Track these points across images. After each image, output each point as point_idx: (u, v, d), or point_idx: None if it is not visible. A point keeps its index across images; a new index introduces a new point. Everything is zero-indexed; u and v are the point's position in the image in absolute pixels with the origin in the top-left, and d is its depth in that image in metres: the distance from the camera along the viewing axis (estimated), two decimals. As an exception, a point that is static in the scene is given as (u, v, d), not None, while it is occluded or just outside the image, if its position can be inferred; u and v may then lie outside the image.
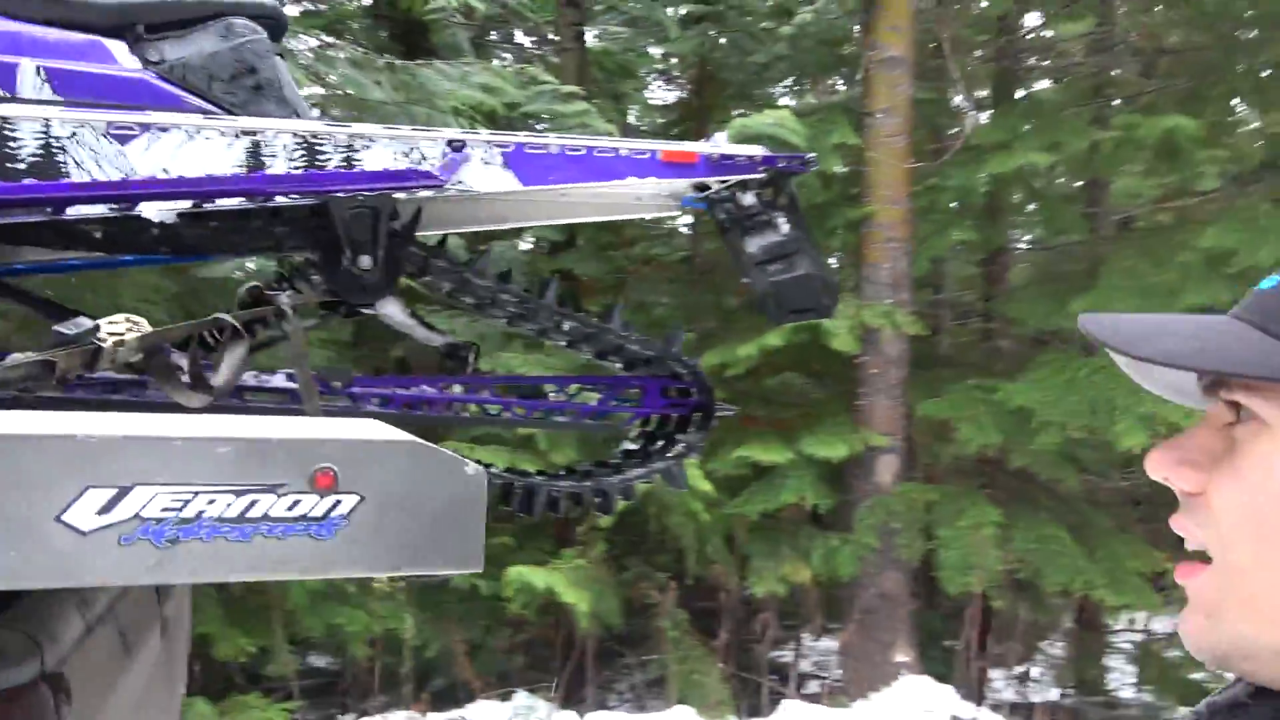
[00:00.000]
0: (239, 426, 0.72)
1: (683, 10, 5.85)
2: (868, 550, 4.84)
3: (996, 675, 5.54)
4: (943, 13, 5.37)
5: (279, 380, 1.49)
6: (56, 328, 0.96)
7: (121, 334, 0.98)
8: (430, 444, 0.78)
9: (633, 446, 1.83)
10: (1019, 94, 6.37)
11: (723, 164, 1.61)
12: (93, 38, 1.34)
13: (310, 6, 6.05)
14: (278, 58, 1.48)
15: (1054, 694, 5.74)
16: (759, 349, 4.67)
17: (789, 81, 6.37)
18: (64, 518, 0.66)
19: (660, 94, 8.29)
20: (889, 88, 5.04)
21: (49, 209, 1.27)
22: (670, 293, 6.02)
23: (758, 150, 1.65)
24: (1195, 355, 0.51)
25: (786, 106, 5.28)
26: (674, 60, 7.02)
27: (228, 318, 1.12)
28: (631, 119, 8.63)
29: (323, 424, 0.84)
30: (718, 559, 4.93)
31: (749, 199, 1.65)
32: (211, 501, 0.70)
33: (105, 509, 0.67)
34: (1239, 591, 0.50)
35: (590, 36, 6.56)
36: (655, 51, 6.82)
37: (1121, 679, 6.20)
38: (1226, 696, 0.56)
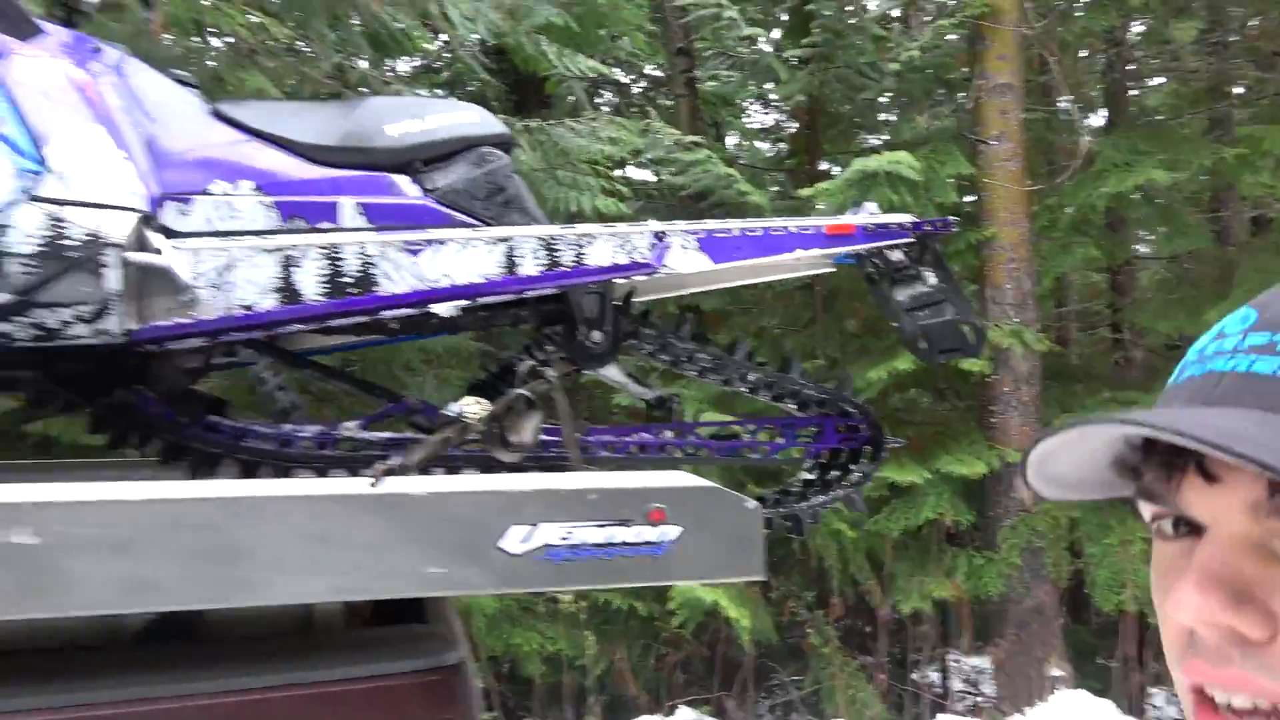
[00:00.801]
0: (599, 480, 1.03)
1: (793, 54, 6.13)
2: (1013, 568, 4.92)
3: (1155, 692, 5.48)
4: (1046, 36, 5.48)
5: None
6: (443, 411, 1.31)
7: (476, 412, 1.32)
8: (722, 487, 1.07)
9: (810, 477, 2.11)
10: (1133, 95, 6.39)
11: (877, 233, 1.88)
12: (386, 174, 1.72)
13: (421, 61, 6.40)
14: (517, 174, 1.84)
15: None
16: (888, 372, 4.86)
17: (895, 112, 6.55)
18: (499, 545, 0.98)
19: (760, 118, 8.55)
20: (1000, 114, 5.19)
21: (366, 317, 1.65)
22: (789, 319, 6.25)
23: (906, 218, 1.92)
24: None
25: (901, 144, 5.47)
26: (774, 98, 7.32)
27: (526, 393, 1.46)
28: (730, 144, 8.93)
29: (650, 475, 1.15)
30: (862, 577, 5.10)
31: (897, 255, 1.92)
32: (587, 532, 1.01)
33: (525, 539, 0.98)
34: None
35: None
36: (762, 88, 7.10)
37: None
38: None
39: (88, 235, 1.40)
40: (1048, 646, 5.03)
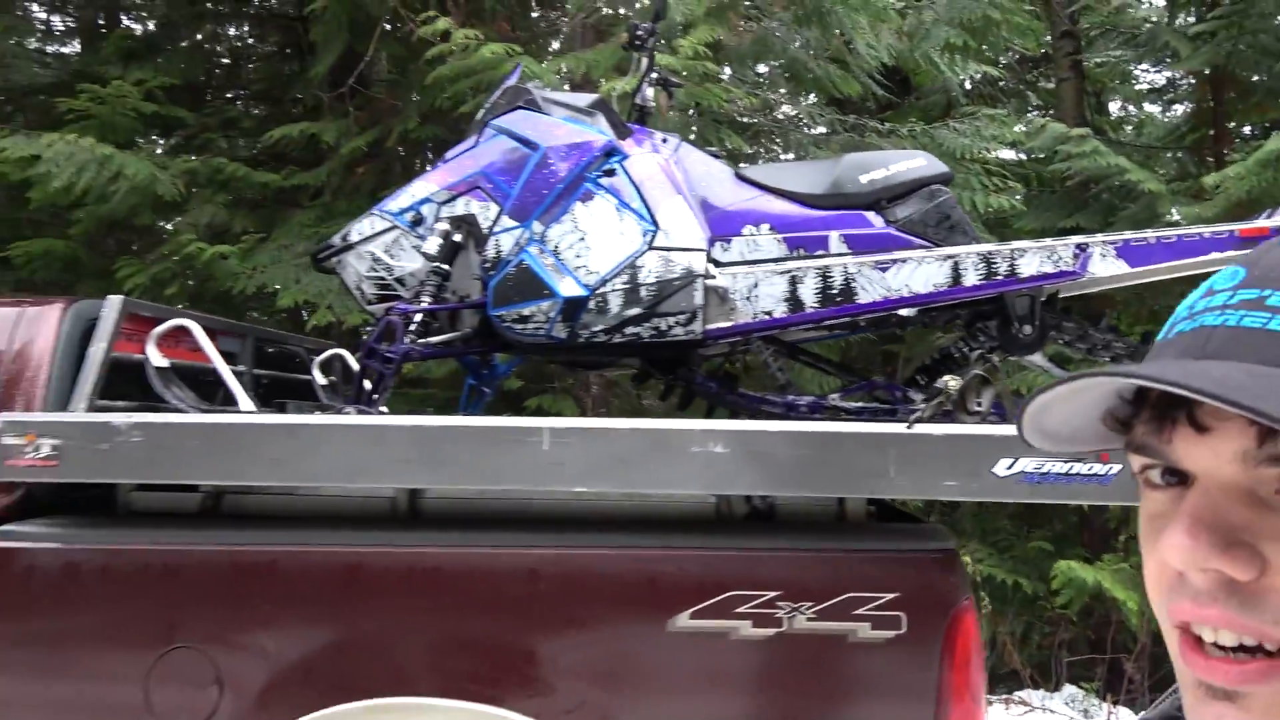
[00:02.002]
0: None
1: (1193, 27, 5.87)
2: None
3: None
4: None
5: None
6: (935, 384, 1.91)
7: (954, 386, 1.88)
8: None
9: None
10: None
11: (1291, 234, 2.12)
12: (860, 211, 2.33)
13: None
14: (958, 204, 2.35)
15: None
16: None
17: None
18: (992, 470, 1.53)
19: (1152, 77, 7.98)
20: None
21: (848, 319, 2.27)
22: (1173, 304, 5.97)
23: (1323, 220, 2.13)
24: None
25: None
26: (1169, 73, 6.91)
27: (982, 373, 1.98)
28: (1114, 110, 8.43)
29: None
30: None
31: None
32: (1054, 465, 1.52)
33: (1009, 467, 1.52)
34: None
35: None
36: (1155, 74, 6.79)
37: None
38: (1159, 712, 0.56)
39: (684, 270, 2.17)
40: None
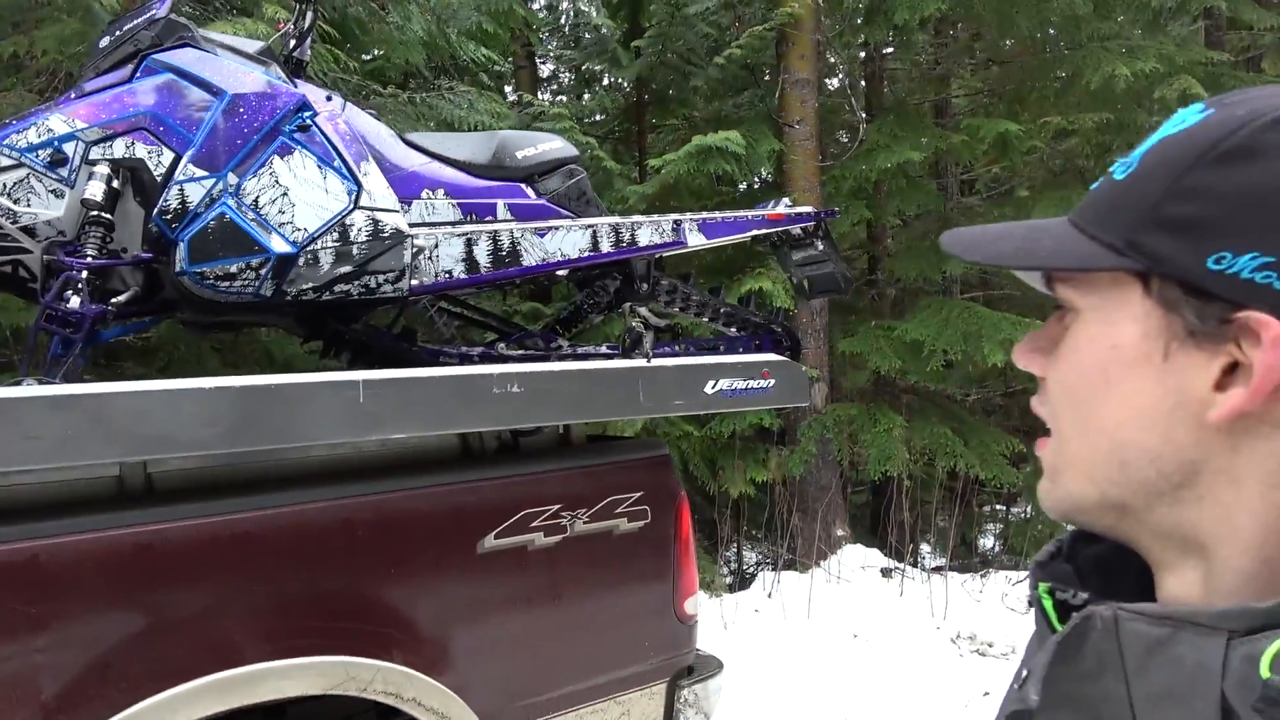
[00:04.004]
0: (742, 359, 2.10)
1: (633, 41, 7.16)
2: (810, 456, 6.48)
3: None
4: (836, 42, 6.94)
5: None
6: (628, 332, 2.34)
7: (642, 334, 2.35)
8: (790, 360, 2.20)
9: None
10: (885, 90, 8.09)
11: (795, 218, 3.05)
12: (518, 184, 2.65)
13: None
14: (588, 180, 2.82)
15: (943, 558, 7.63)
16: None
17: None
18: (704, 389, 2.05)
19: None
20: (800, 103, 6.59)
21: (515, 281, 2.59)
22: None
23: (809, 209, 3.11)
24: (1016, 255, 0.56)
25: (716, 120, 6.71)
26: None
27: (638, 326, 2.50)
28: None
29: (763, 355, 2.24)
30: (698, 472, 6.46)
31: (797, 230, 3.11)
32: (740, 383, 2.09)
33: (713, 386, 2.05)
34: (1066, 455, 0.57)
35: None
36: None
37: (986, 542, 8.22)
38: (1045, 551, 0.66)
39: (394, 229, 2.27)
40: (834, 514, 6.68)
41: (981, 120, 6.66)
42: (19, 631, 1.41)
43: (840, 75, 7.26)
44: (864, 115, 7.43)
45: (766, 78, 7.15)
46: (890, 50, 8.14)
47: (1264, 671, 0.45)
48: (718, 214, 2.94)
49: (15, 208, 2.00)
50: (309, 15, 2.47)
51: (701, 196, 6.89)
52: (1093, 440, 0.55)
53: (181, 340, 4.26)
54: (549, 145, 2.74)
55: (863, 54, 7.86)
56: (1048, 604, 0.60)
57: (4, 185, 1.99)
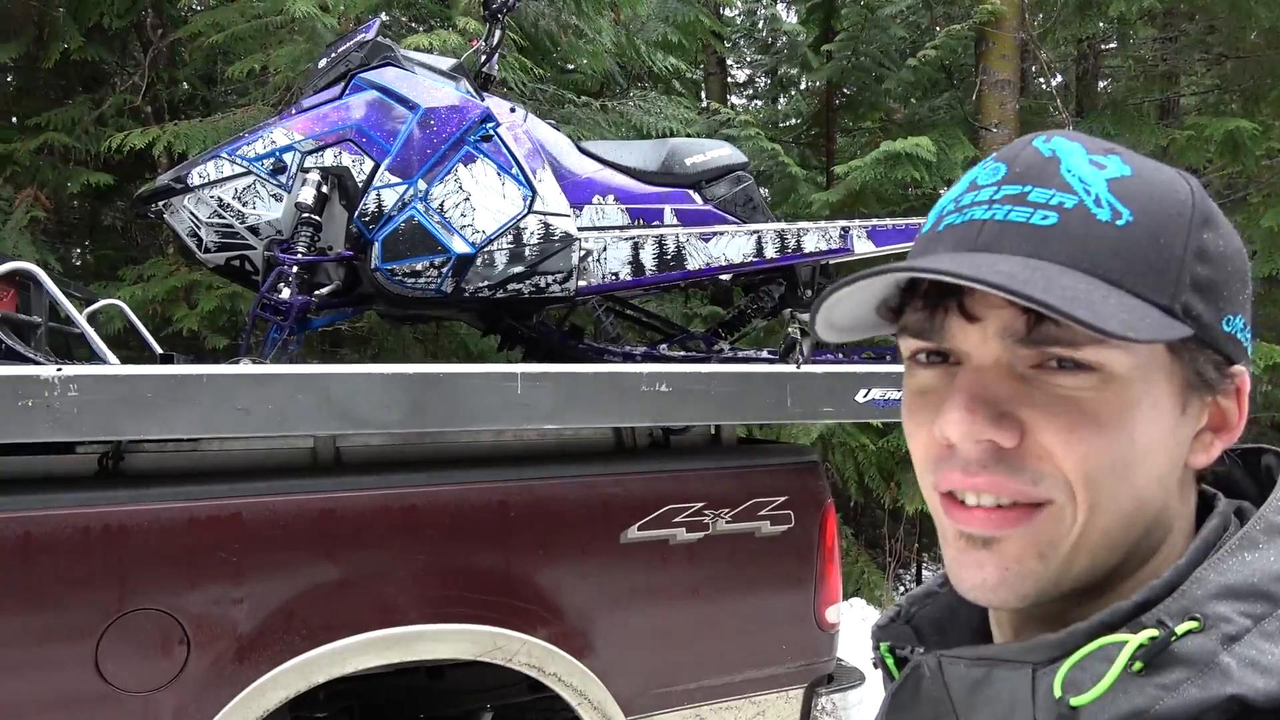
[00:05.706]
0: (899, 369, 2.08)
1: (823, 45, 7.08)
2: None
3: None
4: (1040, 40, 6.56)
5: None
6: (786, 338, 2.37)
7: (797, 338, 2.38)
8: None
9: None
10: (1100, 84, 7.55)
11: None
12: (686, 190, 2.73)
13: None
14: (755, 186, 2.86)
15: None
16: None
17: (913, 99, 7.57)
18: (855, 398, 2.04)
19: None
20: (999, 105, 6.28)
21: (679, 284, 2.67)
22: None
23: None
24: (1092, 315, 0.46)
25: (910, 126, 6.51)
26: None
27: (798, 326, 2.51)
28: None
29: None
30: (873, 485, 6.30)
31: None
32: (892, 393, 2.08)
33: (865, 395, 2.05)
34: (1092, 529, 0.51)
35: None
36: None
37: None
38: (922, 589, 0.63)
39: (563, 233, 2.41)
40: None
41: (1209, 118, 6.08)
42: (222, 576, 1.64)
43: (1046, 74, 6.84)
44: (1072, 116, 6.96)
45: (968, 79, 6.87)
46: (1109, 46, 7.60)
47: (1056, 691, 0.49)
48: (888, 220, 2.89)
49: (244, 210, 2.29)
50: (498, 33, 2.66)
51: (890, 204, 6.71)
52: (1123, 507, 0.51)
53: (389, 332, 4.67)
54: (717, 152, 2.80)
55: (1074, 51, 7.37)
56: (889, 661, 0.62)
57: (235, 190, 2.29)
